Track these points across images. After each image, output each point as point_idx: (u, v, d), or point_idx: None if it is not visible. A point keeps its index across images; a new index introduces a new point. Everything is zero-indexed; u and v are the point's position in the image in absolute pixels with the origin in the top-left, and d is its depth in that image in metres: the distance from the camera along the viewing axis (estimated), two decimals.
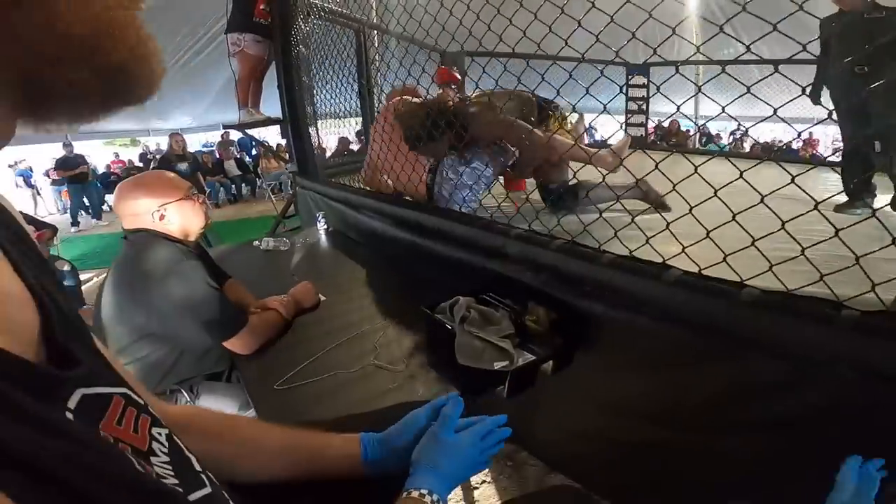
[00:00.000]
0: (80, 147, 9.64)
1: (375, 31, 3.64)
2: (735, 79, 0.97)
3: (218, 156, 8.75)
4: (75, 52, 0.31)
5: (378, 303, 1.50)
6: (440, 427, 0.63)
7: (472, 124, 1.69)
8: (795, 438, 0.89)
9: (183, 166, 6.38)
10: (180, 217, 1.24)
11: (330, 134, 3.30)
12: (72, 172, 7.70)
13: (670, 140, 6.65)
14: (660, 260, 1.00)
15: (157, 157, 8.92)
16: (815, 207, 0.85)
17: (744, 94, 0.91)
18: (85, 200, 8.05)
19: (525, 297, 1.15)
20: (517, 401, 1.10)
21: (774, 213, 0.89)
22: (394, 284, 1.65)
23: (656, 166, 1.04)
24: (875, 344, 0.77)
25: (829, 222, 0.84)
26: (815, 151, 7.67)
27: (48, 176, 8.94)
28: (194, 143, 13.69)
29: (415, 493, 0.56)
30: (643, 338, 1.00)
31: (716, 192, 0.93)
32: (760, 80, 0.97)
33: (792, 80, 0.91)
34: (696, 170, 0.96)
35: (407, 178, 1.80)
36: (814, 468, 0.88)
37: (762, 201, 0.89)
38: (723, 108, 0.97)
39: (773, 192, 0.87)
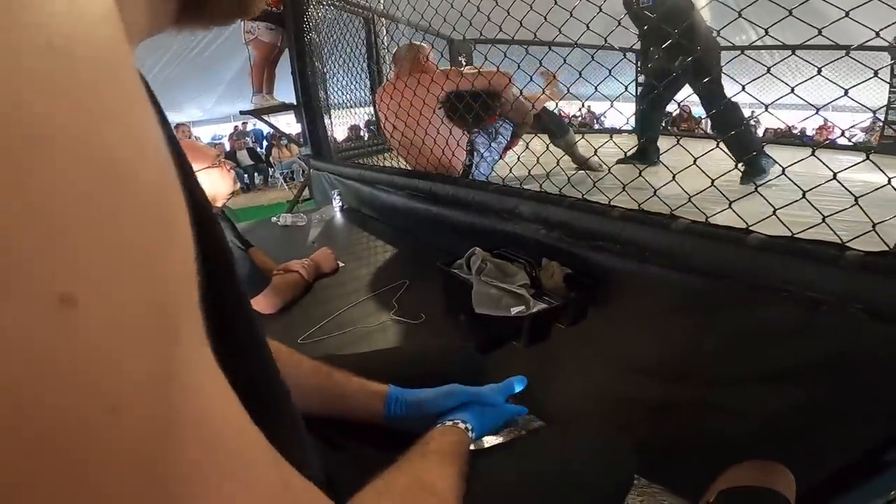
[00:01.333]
0: None
1: (384, 19, 3.66)
2: (756, 60, 0.99)
3: (230, 146, 8.83)
4: None
5: (395, 267, 1.54)
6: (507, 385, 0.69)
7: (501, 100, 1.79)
8: (811, 387, 0.91)
9: None
10: (209, 183, 1.28)
11: (340, 125, 3.33)
12: None
13: (681, 126, 6.62)
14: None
15: None
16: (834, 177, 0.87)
17: (762, 76, 0.95)
18: None
19: (539, 253, 1.18)
20: (535, 361, 1.14)
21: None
22: (410, 251, 1.70)
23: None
24: (879, 284, 0.79)
25: (846, 188, 0.86)
26: (829, 137, 7.60)
27: None
28: (205, 135, 13.76)
29: (449, 423, 0.59)
30: (654, 288, 1.04)
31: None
32: (779, 61, 1.00)
33: (810, 62, 0.92)
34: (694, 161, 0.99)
35: (438, 158, 1.84)
36: (830, 417, 0.92)
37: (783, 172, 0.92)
38: (743, 87, 1.01)
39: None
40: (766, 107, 0.98)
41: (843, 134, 1.59)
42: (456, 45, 4.82)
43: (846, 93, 0.89)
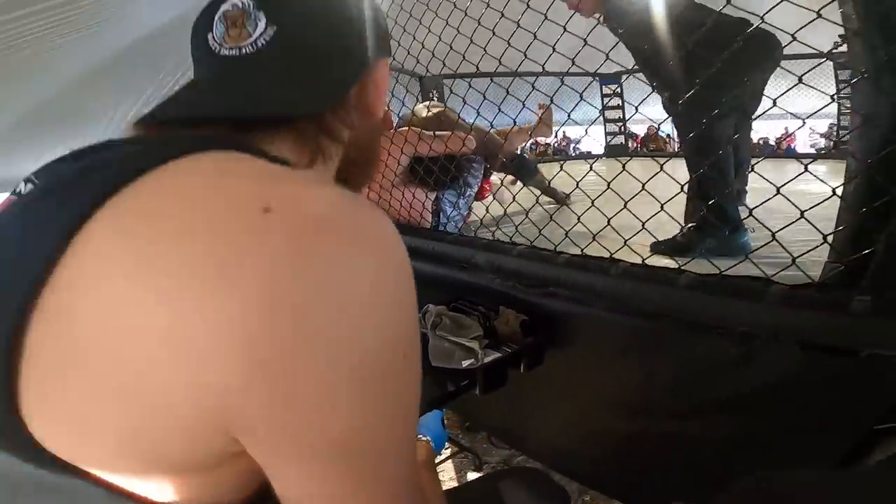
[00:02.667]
0: None
1: None
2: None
3: None
4: (365, 161, 0.60)
5: None
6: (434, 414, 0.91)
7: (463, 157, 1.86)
8: (756, 415, 0.97)
9: None
10: None
11: None
12: None
13: (650, 146, 6.79)
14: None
15: None
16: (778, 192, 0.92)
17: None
18: None
19: (496, 302, 1.23)
20: (501, 399, 1.18)
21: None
22: None
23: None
24: (805, 316, 0.85)
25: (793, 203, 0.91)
26: (791, 145, 7.81)
27: None
28: None
29: (420, 438, 0.80)
30: (602, 329, 1.09)
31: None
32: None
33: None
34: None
35: (407, 218, 1.89)
36: (776, 445, 0.96)
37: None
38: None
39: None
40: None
41: (775, 143, 1.66)
42: (426, 83, 4.96)
43: (774, 103, 0.98)
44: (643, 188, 1.04)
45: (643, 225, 1.09)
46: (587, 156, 6.95)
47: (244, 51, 0.47)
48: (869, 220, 0.86)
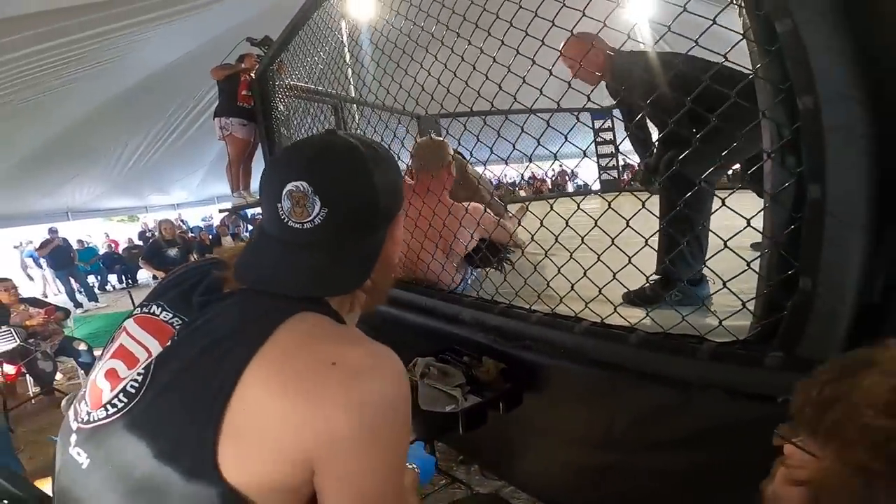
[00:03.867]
0: (78, 225, 9.72)
1: (354, 105, 3.85)
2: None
3: (216, 232, 9.11)
4: (381, 294, 0.80)
5: None
6: (417, 445, 1.03)
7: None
8: (697, 452, 1.11)
9: (173, 252, 6.70)
10: None
11: None
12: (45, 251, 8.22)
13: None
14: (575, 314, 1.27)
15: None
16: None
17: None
18: (74, 284, 8.30)
19: (480, 352, 1.41)
20: (489, 435, 1.33)
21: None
22: None
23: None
24: (729, 369, 1.01)
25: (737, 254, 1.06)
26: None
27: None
28: (194, 217, 13.71)
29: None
30: (569, 378, 1.27)
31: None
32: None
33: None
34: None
35: (435, 277, 1.90)
36: (717, 476, 1.11)
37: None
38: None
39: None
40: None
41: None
42: (423, 122, 5.17)
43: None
44: (628, 224, 1.17)
45: (614, 276, 1.24)
46: (585, 189, 7.11)
47: (306, 226, 0.65)
48: (779, 288, 1.01)
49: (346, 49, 2.85)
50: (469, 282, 2.04)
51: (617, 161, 6.39)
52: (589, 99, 1.41)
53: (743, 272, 1.07)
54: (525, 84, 1.29)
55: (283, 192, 0.65)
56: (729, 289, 1.07)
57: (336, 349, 0.61)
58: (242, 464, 0.57)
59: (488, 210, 1.98)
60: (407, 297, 1.77)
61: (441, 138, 2.18)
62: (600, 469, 1.35)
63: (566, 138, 1.31)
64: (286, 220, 0.66)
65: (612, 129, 6.24)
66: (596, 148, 6.25)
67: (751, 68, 1.08)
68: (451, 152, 2.11)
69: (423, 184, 1.95)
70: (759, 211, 1.07)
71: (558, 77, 1.28)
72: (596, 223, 1.25)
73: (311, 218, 0.65)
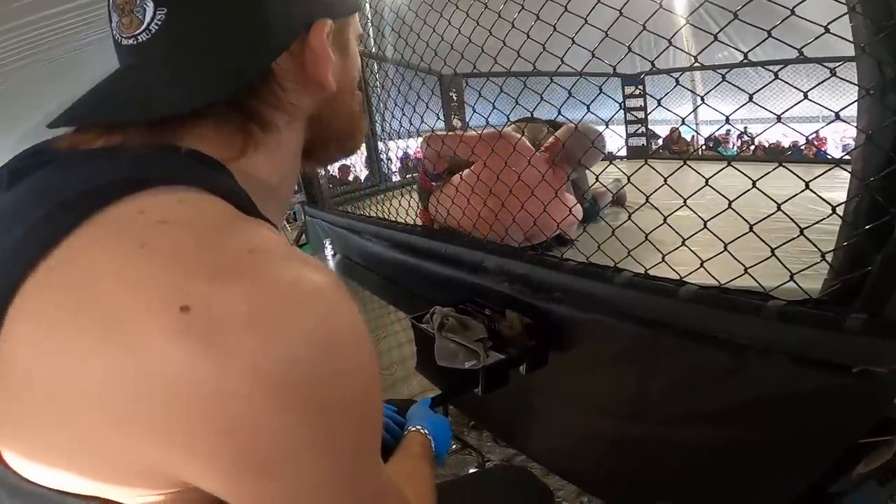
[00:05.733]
0: None
1: (373, 60, 3.78)
2: (737, 87, 1.02)
3: None
4: (342, 139, 0.60)
5: (376, 318, 1.64)
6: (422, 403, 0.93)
7: None
8: (747, 425, 0.99)
9: None
10: None
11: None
12: None
13: (672, 149, 6.73)
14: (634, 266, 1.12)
15: None
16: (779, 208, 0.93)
17: (745, 104, 1.00)
18: None
19: (504, 305, 1.27)
20: (505, 400, 1.22)
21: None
22: (391, 301, 1.79)
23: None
24: (799, 331, 0.87)
25: (793, 220, 0.92)
26: (822, 149, 7.67)
27: None
28: None
29: (412, 429, 0.83)
30: (603, 336, 1.12)
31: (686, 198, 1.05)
32: (761, 87, 1.00)
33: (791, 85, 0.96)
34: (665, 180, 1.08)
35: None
36: (765, 455, 0.99)
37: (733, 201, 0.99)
38: (726, 118, 1.03)
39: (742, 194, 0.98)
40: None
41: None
42: (446, 81, 4.99)
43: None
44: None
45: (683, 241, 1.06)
46: (609, 157, 6.90)
47: (140, 38, 0.45)
48: (867, 239, 0.87)
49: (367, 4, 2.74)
50: None
51: (646, 128, 6.17)
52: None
53: (826, 218, 0.91)
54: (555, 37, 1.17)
55: (109, 6, 0.47)
56: (807, 237, 0.91)
57: (189, 284, 0.33)
58: (36, 455, 0.36)
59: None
60: (424, 243, 1.63)
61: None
62: (626, 441, 1.23)
63: (601, 90, 1.25)
64: (119, 39, 0.47)
65: (643, 94, 6.01)
66: (625, 114, 6.07)
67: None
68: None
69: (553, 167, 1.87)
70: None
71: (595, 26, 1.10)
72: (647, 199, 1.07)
73: (144, 26, 0.45)
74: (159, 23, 0.44)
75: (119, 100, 0.46)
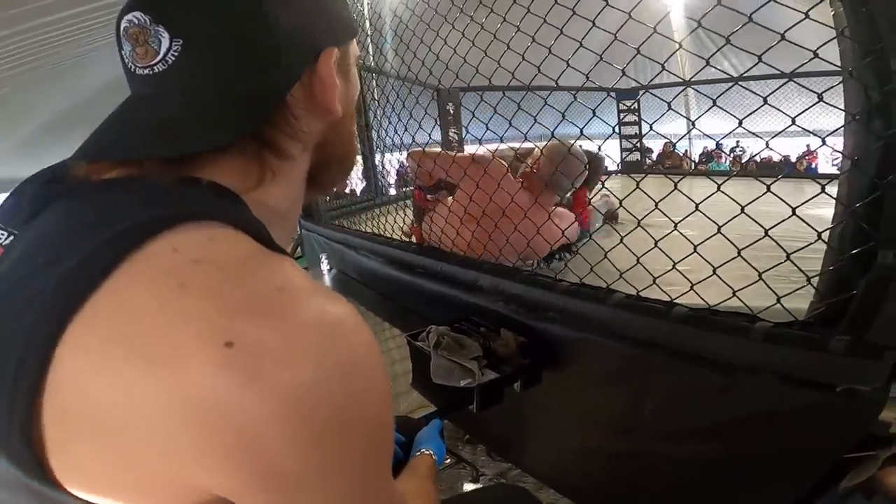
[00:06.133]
0: None
1: (371, 74, 3.80)
2: (726, 111, 1.03)
3: None
4: (342, 162, 0.62)
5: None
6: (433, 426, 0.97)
7: None
8: (737, 443, 1.02)
9: None
10: None
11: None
12: None
13: (666, 163, 6.80)
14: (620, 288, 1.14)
15: None
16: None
17: (734, 129, 1.03)
18: None
19: (499, 324, 1.29)
20: (500, 415, 1.23)
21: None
22: (386, 317, 1.80)
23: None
24: (786, 352, 0.90)
25: (780, 246, 0.95)
26: (813, 164, 7.73)
27: None
28: None
29: (425, 451, 0.87)
30: (596, 355, 1.14)
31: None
32: (750, 113, 1.02)
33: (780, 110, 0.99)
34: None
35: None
36: (754, 469, 1.01)
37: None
38: (717, 143, 1.09)
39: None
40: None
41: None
42: (443, 96, 5.03)
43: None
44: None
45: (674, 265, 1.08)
46: (603, 172, 6.96)
47: (156, 69, 0.46)
48: (851, 264, 0.90)
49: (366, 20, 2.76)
50: None
51: (641, 143, 6.24)
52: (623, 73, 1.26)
53: (811, 244, 0.93)
54: (551, 55, 1.19)
55: (121, 33, 0.47)
56: (793, 262, 0.94)
57: (231, 324, 0.36)
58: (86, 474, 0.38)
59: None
60: (419, 261, 1.65)
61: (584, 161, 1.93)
62: (619, 456, 1.25)
63: (594, 113, 1.24)
64: (133, 68, 0.47)
65: (637, 109, 6.07)
66: (620, 129, 6.13)
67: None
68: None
69: (530, 183, 1.87)
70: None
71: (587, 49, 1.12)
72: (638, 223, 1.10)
73: (160, 57, 0.45)
74: (175, 54, 0.45)
75: (143, 133, 0.47)
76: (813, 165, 7.60)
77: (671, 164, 6.70)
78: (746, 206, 0.96)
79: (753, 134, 1.05)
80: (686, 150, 7.68)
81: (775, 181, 0.94)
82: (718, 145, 7.35)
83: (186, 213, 0.41)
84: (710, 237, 1.02)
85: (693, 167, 5.98)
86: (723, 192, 1.01)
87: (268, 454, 0.36)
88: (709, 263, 1.02)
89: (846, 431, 0.87)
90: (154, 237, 0.39)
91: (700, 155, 7.47)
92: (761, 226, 0.96)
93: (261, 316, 0.37)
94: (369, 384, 0.41)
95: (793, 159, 7.69)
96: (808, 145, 7.72)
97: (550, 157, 1.79)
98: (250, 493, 0.38)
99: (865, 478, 0.87)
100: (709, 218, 1.00)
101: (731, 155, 8.02)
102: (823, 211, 0.95)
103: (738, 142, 7.92)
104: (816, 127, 1.01)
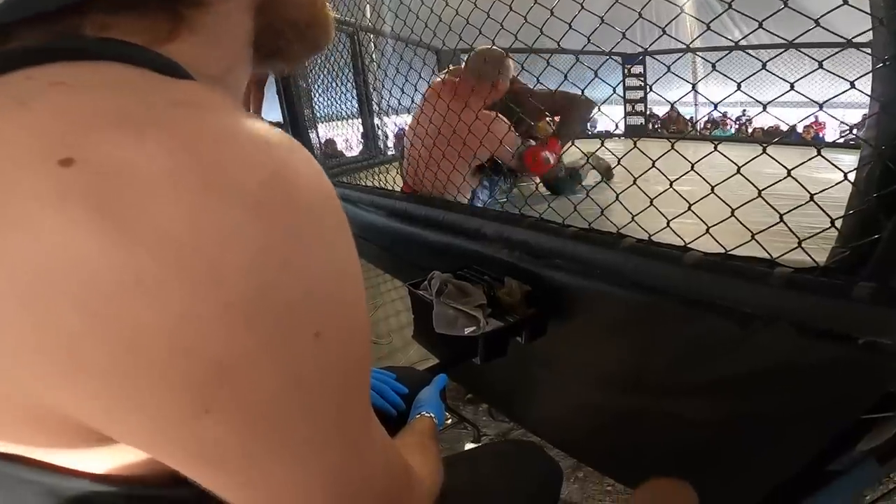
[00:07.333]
0: None
1: (370, 34, 3.71)
2: (727, 76, 1.01)
3: None
4: (301, 30, 0.46)
5: (372, 287, 1.61)
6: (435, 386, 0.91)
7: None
8: (750, 397, 0.98)
9: None
10: None
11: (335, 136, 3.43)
12: None
13: (670, 128, 6.69)
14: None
15: None
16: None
17: (733, 92, 0.99)
18: None
19: (503, 272, 1.25)
20: (503, 371, 1.20)
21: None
22: (388, 269, 1.76)
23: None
24: (807, 300, 0.85)
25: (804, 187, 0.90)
26: (820, 133, 7.62)
27: None
28: None
29: (425, 413, 0.81)
30: (604, 304, 1.10)
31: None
32: (748, 76, 0.99)
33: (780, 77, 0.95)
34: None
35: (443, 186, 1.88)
36: (767, 428, 0.97)
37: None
38: (715, 106, 1.03)
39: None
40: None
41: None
42: (443, 57, 4.90)
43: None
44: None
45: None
46: (605, 135, 6.87)
47: None
48: (878, 206, 0.85)
49: None
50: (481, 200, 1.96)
51: (645, 107, 6.12)
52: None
53: (836, 185, 0.88)
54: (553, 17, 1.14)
55: None
56: (817, 203, 0.88)
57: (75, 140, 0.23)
58: None
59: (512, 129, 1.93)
60: (422, 211, 1.60)
61: (504, 54, 2.00)
62: (627, 413, 1.22)
63: (596, 74, 1.19)
64: None
65: (643, 74, 5.95)
66: (624, 92, 6.03)
67: None
68: (510, 74, 2.02)
69: (457, 88, 1.85)
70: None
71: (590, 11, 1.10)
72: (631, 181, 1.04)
73: None
74: None
75: None
76: (820, 135, 7.50)
77: (676, 130, 6.60)
78: (743, 165, 0.92)
79: (757, 101, 1.00)
80: (692, 117, 7.55)
81: (770, 144, 0.90)
82: (721, 113, 7.28)
83: (68, 48, 0.29)
84: (723, 182, 0.96)
85: (698, 133, 5.88)
86: (720, 153, 0.98)
87: (149, 348, 0.23)
88: (727, 205, 0.96)
89: (866, 389, 0.83)
90: (12, 72, 0.27)
91: (706, 122, 7.35)
92: (783, 164, 0.90)
93: (133, 126, 0.24)
94: (318, 238, 0.27)
95: (800, 129, 7.60)
96: (815, 116, 7.61)
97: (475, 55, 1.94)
98: (120, 417, 0.25)
99: (884, 440, 0.84)
100: (704, 178, 0.96)
101: (738, 123, 7.91)
102: (832, 175, 0.90)
103: (744, 110, 7.85)
104: (825, 93, 0.96)
